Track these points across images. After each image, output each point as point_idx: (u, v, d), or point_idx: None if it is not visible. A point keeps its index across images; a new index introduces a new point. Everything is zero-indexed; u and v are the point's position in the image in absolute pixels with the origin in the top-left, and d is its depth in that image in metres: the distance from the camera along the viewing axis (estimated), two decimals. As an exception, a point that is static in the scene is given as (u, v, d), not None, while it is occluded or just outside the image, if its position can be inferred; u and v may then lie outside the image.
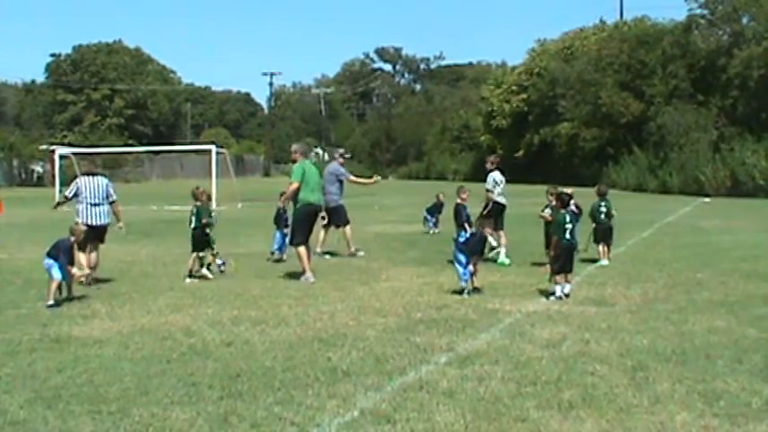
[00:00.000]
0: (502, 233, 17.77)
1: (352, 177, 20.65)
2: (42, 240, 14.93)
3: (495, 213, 17.54)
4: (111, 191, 15.64)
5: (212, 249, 15.88)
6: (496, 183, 18.18)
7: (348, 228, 19.54)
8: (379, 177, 22.40)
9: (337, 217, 19.24)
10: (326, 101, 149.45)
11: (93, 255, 15.19)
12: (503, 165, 19.06)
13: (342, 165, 20.09)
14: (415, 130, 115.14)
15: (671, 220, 29.62)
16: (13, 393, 7.81)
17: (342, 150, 21.27)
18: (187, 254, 17.42)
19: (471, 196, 17.91)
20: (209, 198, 16.12)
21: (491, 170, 18.56)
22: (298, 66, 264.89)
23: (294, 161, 15.94)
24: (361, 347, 9.54)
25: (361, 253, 19.00)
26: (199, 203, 15.98)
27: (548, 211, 16.15)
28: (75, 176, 16.43)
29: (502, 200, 18.13)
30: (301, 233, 15.59)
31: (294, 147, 16.49)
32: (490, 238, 16.78)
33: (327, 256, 18.76)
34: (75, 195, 15.43)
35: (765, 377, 8.13)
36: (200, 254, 15.71)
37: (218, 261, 15.97)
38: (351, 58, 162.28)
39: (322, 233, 19.05)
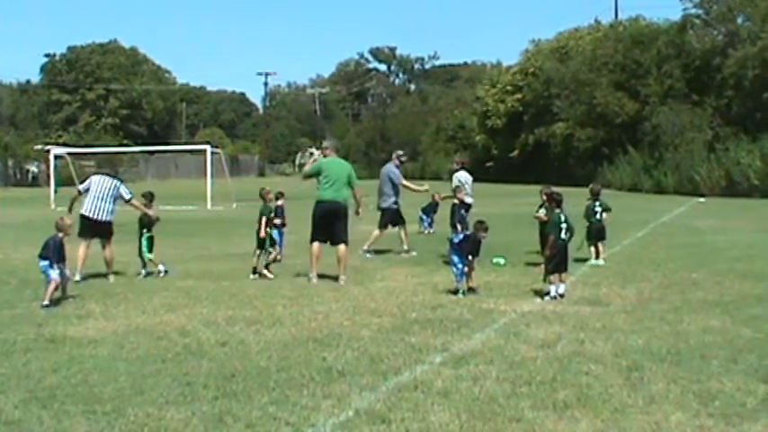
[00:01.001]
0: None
1: (404, 181, 19.97)
2: (37, 240, 14.84)
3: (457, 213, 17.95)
4: (123, 191, 16.03)
5: (269, 250, 16.02)
6: (461, 182, 18.59)
7: (385, 231, 19.40)
8: (427, 187, 21.87)
9: (383, 217, 19.32)
10: (321, 101, 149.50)
11: (108, 252, 15.67)
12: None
13: (397, 166, 19.75)
14: (410, 130, 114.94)
15: (666, 219, 29.65)
16: (7, 393, 7.80)
17: (400, 152, 20.74)
18: (181, 253, 17.49)
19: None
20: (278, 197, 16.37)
21: (456, 170, 18.91)
22: (293, 66, 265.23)
23: (325, 157, 15.90)
24: (356, 347, 9.54)
25: (369, 256, 18.80)
26: (270, 203, 16.27)
27: (542, 211, 16.21)
28: (86, 177, 16.79)
29: (468, 199, 18.54)
30: (313, 231, 15.39)
31: (325, 143, 16.50)
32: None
33: (406, 255, 18.92)
34: (87, 190, 15.80)
35: (760, 377, 8.13)
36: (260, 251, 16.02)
37: (161, 267, 15.96)
38: (345, 59, 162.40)
39: (402, 233, 19.18)
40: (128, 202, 16.04)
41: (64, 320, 11.34)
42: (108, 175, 16.16)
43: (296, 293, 13.52)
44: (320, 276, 15.21)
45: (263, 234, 15.93)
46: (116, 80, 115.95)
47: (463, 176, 18.87)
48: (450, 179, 19.14)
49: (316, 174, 15.43)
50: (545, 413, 7.10)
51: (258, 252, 15.97)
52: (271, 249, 15.97)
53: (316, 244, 15.27)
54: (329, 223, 15.33)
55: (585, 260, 16.95)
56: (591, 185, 18.75)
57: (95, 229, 15.52)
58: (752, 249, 19.59)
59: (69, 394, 7.76)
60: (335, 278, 15.01)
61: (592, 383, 7.96)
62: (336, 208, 15.31)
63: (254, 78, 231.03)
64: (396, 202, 19.50)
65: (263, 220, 15.98)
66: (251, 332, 10.47)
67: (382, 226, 19.30)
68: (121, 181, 16.44)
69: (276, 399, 7.57)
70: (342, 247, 15.24)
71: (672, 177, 53.23)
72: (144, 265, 16.15)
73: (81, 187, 16.07)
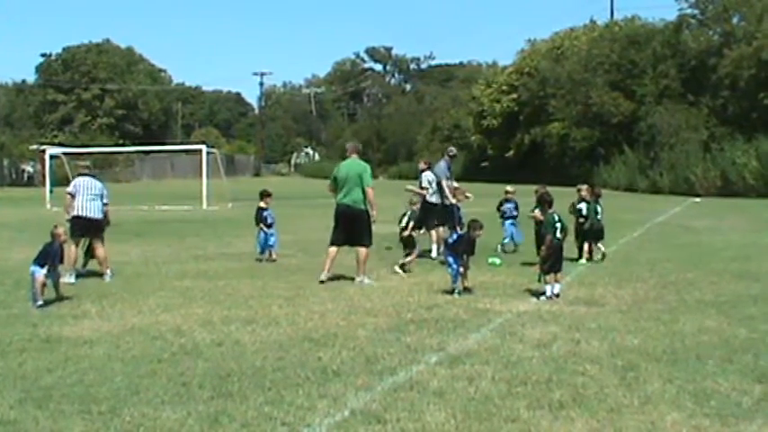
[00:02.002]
0: (433, 232, 18.46)
1: (444, 182, 18.78)
2: (33, 241, 14.90)
3: (426, 213, 18.34)
4: (105, 194, 16.12)
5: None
6: (429, 182, 18.77)
7: (434, 231, 18.78)
8: (471, 197, 20.93)
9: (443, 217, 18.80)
10: (317, 101, 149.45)
11: (101, 251, 15.67)
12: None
13: (447, 163, 19.09)
14: (405, 129, 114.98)
15: (661, 220, 29.69)
16: (3, 393, 7.79)
17: (451, 148, 20.17)
18: (176, 253, 17.49)
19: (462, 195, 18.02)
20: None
21: (423, 170, 19.20)
22: (288, 66, 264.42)
23: (345, 159, 15.72)
24: (352, 347, 9.54)
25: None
26: (415, 208, 17.26)
27: (538, 210, 16.24)
28: (71, 178, 16.82)
29: (434, 199, 18.67)
30: (332, 233, 15.21)
31: (346, 145, 16.29)
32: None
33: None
34: (77, 192, 15.85)
35: (756, 377, 8.14)
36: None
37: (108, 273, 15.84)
38: (341, 58, 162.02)
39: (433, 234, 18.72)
40: (104, 205, 16.11)
41: (59, 320, 11.32)
42: (93, 177, 16.25)
43: (292, 293, 13.51)
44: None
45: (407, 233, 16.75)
46: (112, 80, 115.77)
47: (431, 177, 18.99)
48: (418, 179, 19.24)
49: (334, 179, 15.19)
50: (541, 413, 7.10)
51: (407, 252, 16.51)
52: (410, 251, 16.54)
53: (332, 248, 15.01)
54: (347, 227, 15.00)
55: (576, 260, 17.01)
56: (595, 188, 18.88)
57: (89, 228, 15.61)
58: (748, 249, 19.62)
59: (65, 394, 7.75)
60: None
61: (587, 383, 7.96)
62: (350, 211, 14.97)
63: (249, 78, 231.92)
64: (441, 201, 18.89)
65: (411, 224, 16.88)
66: (247, 332, 10.46)
67: (452, 225, 18.60)
68: (103, 182, 16.53)
69: (272, 399, 7.56)
70: (362, 250, 14.96)
71: (667, 177, 53.33)
72: (84, 265, 16.20)
73: (70, 191, 16.06)
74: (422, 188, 18.66)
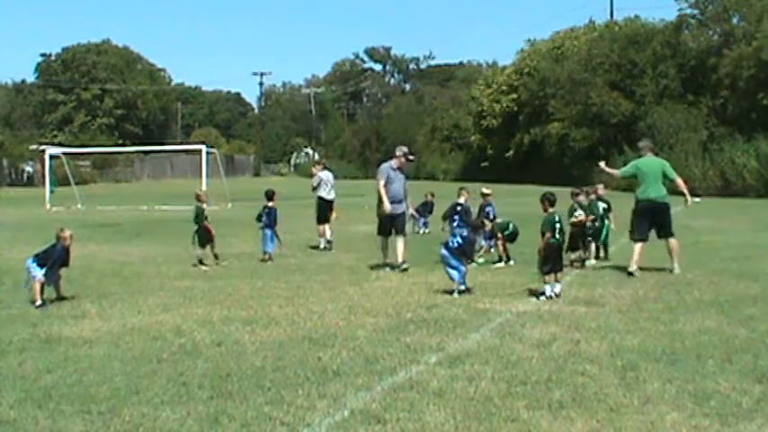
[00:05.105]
0: (327, 227, 20.33)
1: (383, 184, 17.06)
2: (33, 240, 14.84)
3: (321, 209, 20.59)
4: None
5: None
6: (323, 180, 20.95)
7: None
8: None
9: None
10: (317, 101, 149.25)
11: None
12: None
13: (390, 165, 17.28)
14: (405, 129, 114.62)
15: (661, 219, 29.62)
16: (3, 393, 7.79)
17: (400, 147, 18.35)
18: (176, 253, 17.50)
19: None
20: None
21: (320, 170, 21.28)
22: (288, 66, 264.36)
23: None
24: (352, 347, 9.54)
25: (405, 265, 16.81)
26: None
27: (579, 212, 16.53)
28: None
29: (328, 196, 20.87)
30: (637, 229, 16.56)
31: (640, 144, 18.37)
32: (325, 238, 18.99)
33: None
34: None
35: (755, 377, 8.14)
36: None
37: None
38: (341, 58, 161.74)
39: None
40: None
41: (59, 320, 11.33)
42: None
43: (291, 293, 13.51)
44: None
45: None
46: (111, 80, 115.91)
47: (325, 175, 21.03)
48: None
49: (633, 175, 16.75)
50: (540, 413, 7.10)
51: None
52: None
53: (642, 243, 15.92)
54: (655, 219, 16.33)
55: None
56: (593, 187, 18.96)
57: None
58: (747, 249, 19.61)
59: (65, 394, 7.75)
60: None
61: (587, 383, 7.96)
62: (656, 205, 16.48)
63: (249, 78, 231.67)
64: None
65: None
66: (246, 332, 10.46)
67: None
68: None
69: (271, 399, 7.57)
70: (672, 240, 16.10)
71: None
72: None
73: None
74: (313, 188, 21.19)
